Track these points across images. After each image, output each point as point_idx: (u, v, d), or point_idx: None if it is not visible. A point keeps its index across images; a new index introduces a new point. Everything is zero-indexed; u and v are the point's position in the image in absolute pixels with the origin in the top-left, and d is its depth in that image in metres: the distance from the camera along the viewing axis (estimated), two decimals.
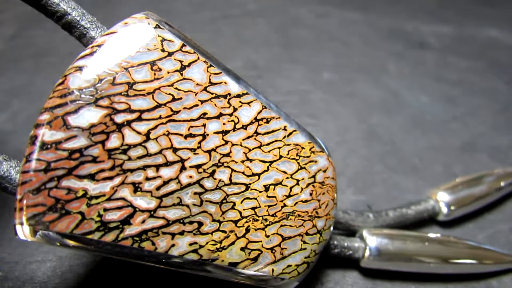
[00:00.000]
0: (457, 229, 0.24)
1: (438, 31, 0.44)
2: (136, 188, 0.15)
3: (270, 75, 0.35)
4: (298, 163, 0.18)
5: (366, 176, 0.27)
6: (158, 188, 0.15)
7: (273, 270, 0.17)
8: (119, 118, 0.14)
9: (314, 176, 0.18)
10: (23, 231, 0.13)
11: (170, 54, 0.16)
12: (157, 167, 0.15)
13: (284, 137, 0.17)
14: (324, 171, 0.18)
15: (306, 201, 0.18)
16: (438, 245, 0.21)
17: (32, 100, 0.30)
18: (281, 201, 0.17)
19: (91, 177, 0.14)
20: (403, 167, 0.28)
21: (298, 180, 0.18)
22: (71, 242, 0.14)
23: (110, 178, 0.14)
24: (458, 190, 0.24)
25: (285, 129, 0.18)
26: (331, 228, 0.18)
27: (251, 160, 0.17)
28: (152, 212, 0.15)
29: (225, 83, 0.16)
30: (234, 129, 0.16)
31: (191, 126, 0.16)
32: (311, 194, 0.18)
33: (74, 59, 0.14)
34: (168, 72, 0.15)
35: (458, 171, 0.28)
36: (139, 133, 0.15)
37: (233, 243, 0.16)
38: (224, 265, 0.16)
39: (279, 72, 0.36)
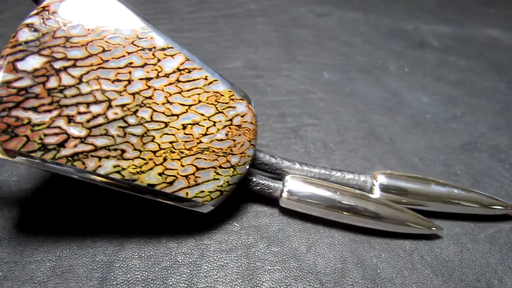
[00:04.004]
0: (457, 227, 0.24)
1: (438, 31, 0.44)
2: (70, 119, 0.18)
3: (270, 75, 0.35)
4: (216, 107, 0.21)
5: None
6: (88, 121, 0.18)
7: (187, 193, 0.20)
8: (57, 65, 0.18)
9: (231, 120, 0.21)
10: None
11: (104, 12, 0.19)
12: (88, 104, 0.18)
13: (204, 85, 0.20)
14: (242, 116, 0.21)
15: (221, 140, 0.21)
16: (351, 197, 0.23)
17: None
18: (197, 138, 0.20)
19: (34, 109, 0.18)
20: (403, 167, 0.28)
21: (215, 122, 0.21)
22: (21, 158, 0.18)
23: (49, 111, 0.18)
24: (397, 178, 0.24)
25: (206, 78, 0.21)
26: (247, 165, 0.21)
27: (171, 103, 0.20)
28: (83, 139, 0.18)
29: (151, 38, 0.20)
30: (157, 76, 0.20)
31: (118, 73, 0.19)
32: (226, 135, 0.21)
33: (26, 17, 0.18)
34: (101, 29, 0.19)
35: (459, 171, 0.28)
36: (73, 76, 0.18)
37: (151, 168, 0.19)
38: (143, 185, 0.19)
39: (279, 72, 0.36)
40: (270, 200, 0.24)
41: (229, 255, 0.22)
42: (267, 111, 0.31)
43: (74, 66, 0.18)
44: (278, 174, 0.24)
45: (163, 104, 0.19)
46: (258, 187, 0.23)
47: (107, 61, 0.19)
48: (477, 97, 0.35)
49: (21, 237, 0.21)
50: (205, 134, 0.20)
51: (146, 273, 0.20)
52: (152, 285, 0.20)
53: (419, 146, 0.30)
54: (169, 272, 0.21)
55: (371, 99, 0.34)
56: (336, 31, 0.42)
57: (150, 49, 0.19)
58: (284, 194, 0.23)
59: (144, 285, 0.20)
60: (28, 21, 0.18)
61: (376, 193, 0.24)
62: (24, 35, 0.18)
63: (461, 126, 0.32)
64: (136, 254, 0.21)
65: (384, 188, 0.24)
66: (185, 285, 0.20)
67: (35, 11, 0.18)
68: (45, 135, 0.18)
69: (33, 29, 0.18)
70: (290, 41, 0.40)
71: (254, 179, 0.23)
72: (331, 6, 0.46)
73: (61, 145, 0.18)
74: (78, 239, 0.21)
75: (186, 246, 0.22)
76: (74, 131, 0.18)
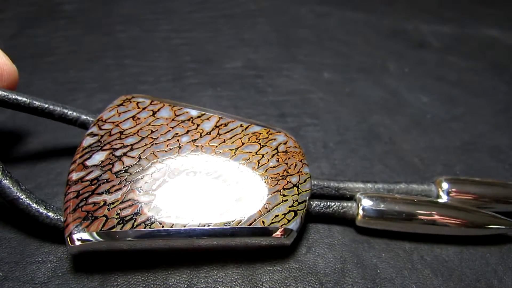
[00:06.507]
0: None
1: (438, 31, 0.44)
2: (139, 190, 0.20)
3: (270, 75, 0.35)
4: (260, 143, 0.23)
5: (366, 176, 0.27)
6: (153, 186, 0.20)
7: (263, 222, 0.21)
8: (118, 153, 0.21)
9: (276, 149, 0.23)
10: (75, 240, 0.19)
11: (144, 108, 0.23)
12: (151, 174, 0.21)
13: (242, 130, 0.23)
14: (285, 143, 0.23)
15: (274, 166, 0.22)
16: (429, 207, 0.23)
17: None
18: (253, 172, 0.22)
19: (107, 191, 0.20)
20: (403, 167, 0.28)
21: (263, 155, 0.23)
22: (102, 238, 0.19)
23: (120, 189, 0.20)
24: (462, 183, 0.24)
25: (241, 126, 0.24)
26: (308, 182, 0.22)
27: (220, 152, 0.22)
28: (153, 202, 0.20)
29: (187, 112, 0.24)
30: (201, 136, 0.23)
31: (169, 144, 0.22)
32: (277, 161, 0.23)
33: (87, 131, 0.22)
34: (145, 118, 0.23)
35: (459, 171, 0.28)
36: (133, 157, 0.21)
37: None
38: (220, 227, 0.20)
39: (279, 72, 0.36)
40: (344, 221, 0.23)
41: (229, 255, 0.22)
42: (267, 111, 0.31)
43: (131, 149, 0.21)
44: (341, 195, 0.24)
45: (213, 155, 0.22)
46: (331, 209, 0.23)
47: (157, 138, 0.22)
48: (477, 97, 0.35)
49: (22, 237, 0.21)
50: (259, 166, 0.22)
51: (147, 273, 0.20)
52: (152, 285, 0.20)
53: (419, 146, 0.30)
54: (169, 272, 0.21)
55: (371, 99, 0.34)
56: (336, 31, 0.42)
57: (189, 120, 0.23)
58: (361, 213, 0.22)
59: (144, 285, 0.20)
60: (89, 131, 0.22)
61: (444, 200, 0.24)
62: (88, 141, 0.22)
63: (461, 126, 0.32)
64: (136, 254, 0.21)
65: (451, 194, 0.24)
66: (185, 285, 0.20)
67: (92, 124, 0.22)
68: (121, 209, 0.20)
69: (93, 135, 0.22)
70: (290, 41, 0.40)
71: (322, 203, 0.23)
72: (331, 6, 0.46)
73: (137, 213, 0.20)
74: None
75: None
76: (145, 198, 0.20)
